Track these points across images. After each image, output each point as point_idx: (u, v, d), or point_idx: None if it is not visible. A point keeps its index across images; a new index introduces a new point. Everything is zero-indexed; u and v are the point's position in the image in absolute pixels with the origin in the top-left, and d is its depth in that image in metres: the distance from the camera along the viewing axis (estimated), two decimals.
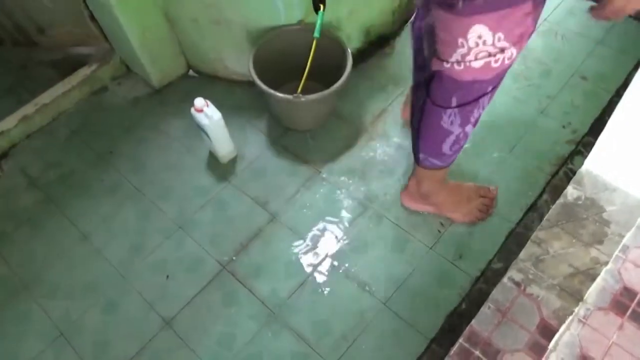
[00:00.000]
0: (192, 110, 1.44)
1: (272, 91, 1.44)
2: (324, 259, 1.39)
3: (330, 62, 1.55)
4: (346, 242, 1.42)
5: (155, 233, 1.47)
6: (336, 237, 1.43)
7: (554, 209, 1.29)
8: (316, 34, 1.44)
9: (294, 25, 1.55)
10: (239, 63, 1.69)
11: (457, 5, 0.83)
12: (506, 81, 1.69)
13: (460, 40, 0.89)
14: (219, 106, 1.46)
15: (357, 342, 1.26)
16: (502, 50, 0.90)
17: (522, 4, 0.83)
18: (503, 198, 1.46)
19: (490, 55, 0.91)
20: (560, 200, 1.30)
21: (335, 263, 1.38)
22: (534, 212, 1.42)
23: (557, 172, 1.49)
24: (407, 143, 1.60)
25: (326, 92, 1.44)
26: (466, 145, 1.53)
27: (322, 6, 1.43)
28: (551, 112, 1.63)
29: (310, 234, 1.44)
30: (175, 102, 1.77)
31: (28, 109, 1.69)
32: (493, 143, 1.57)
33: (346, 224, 1.45)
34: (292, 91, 1.46)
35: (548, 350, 1.10)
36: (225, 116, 1.46)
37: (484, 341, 1.12)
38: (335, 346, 1.26)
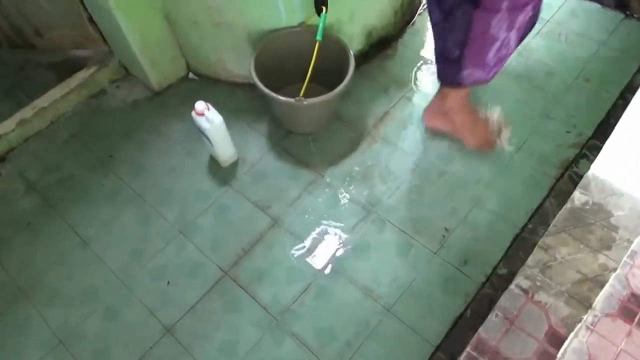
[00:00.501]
0: (193, 113, 1.42)
1: (274, 94, 1.42)
2: (326, 264, 1.38)
3: (331, 64, 1.53)
4: (349, 246, 1.40)
5: (155, 238, 1.45)
6: (339, 241, 1.41)
7: (561, 214, 1.27)
8: (318, 37, 1.42)
9: (296, 28, 1.54)
10: (240, 65, 1.67)
11: None
12: (508, 82, 1.70)
13: None
14: (219, 109, 1.44)
15: (361, 349, 1.24)
16: None
17: None
18: (508, 202, 1.44)
19: None
20: (567, 205, 1.28)
21: (338, 268, 1.37)
22: (540, 217, 1.40)
23: (562, 176, 1.48)
24: (410, 146, 1.58)
25: (329, 95, 1.42)
26: (466, 148, 1.53)
27: (324, 8, 1.41)
28: (555, 114, 1.62)
29: (312, 239, 1.42)
30: (176, 105, 1.75)
31: (26, 112, 1.67)
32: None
33: (349, 229, 1.43)
34: (294, 93, 1.44)
35: (557, 359, 1.08)
36: (226, 119, 1.44)
37: (492, 350, 1.11)
38: (339, 353, 1.24)
